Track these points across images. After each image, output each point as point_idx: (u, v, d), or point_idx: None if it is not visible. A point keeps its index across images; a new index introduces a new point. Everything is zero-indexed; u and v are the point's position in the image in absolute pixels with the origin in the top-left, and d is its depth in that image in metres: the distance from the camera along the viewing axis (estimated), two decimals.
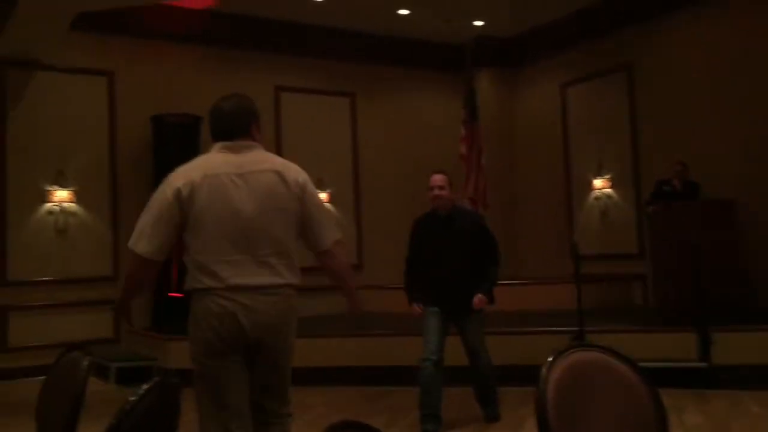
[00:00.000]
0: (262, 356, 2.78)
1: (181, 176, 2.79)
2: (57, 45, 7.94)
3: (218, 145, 2.88)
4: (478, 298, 4.75)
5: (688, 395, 5.55)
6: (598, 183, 9.86)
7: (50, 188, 8.27)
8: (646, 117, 9.23)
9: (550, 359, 2.02)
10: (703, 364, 5.93)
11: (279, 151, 9.58)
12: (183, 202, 2.74)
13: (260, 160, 2.85)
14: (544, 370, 2.00)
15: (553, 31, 10.27)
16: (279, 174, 2.82)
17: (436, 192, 4.80)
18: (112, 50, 8.69)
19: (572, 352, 2.07)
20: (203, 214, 2.73)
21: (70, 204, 8.38)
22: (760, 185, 7.76)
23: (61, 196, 8.33)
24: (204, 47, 9.26)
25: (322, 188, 9.54)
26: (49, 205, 8.27)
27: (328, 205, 9.45)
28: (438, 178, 4.83)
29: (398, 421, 5.18)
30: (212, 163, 2.82)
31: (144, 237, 2.75)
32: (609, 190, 9.73)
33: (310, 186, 2.91)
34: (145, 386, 1.66)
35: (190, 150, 8.65)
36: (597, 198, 9.88)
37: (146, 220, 2.78)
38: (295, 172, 2.88)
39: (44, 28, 7.44)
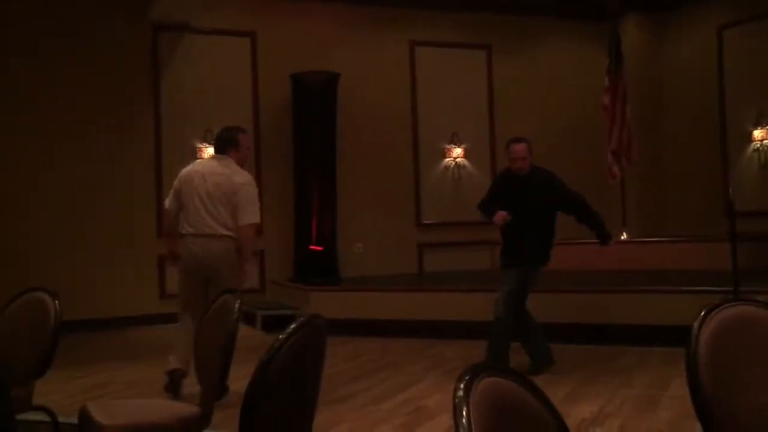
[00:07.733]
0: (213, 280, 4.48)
1: None
2: (203, 8, 8.31)
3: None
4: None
5: None
6: (757, 134, 9.09)
7: (200, 146, 8.71)
8: None
9: (702, 314, 1.92)
10: None
11: (414, 105, 9.62)
12: None
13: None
14: (695, 326, 1.89)
15: None
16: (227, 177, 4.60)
17: (519, 164, 5.04)
18: (253, 11, 9.00)
19: (725, 307, 1.95)
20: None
21: None
22: None
23: (211, 154, 8.75)
24: (341, 4, 9.34)
25: (458, 143, 9.44)
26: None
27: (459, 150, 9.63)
28: (519, 149, 5.04)
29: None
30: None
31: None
32: None
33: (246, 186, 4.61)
34: (293, 325, 1.74)
35: (327, 107, 8.88)
36: (756, 150, 9.12)
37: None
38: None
39: None
